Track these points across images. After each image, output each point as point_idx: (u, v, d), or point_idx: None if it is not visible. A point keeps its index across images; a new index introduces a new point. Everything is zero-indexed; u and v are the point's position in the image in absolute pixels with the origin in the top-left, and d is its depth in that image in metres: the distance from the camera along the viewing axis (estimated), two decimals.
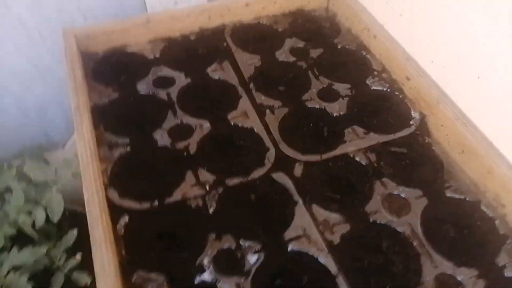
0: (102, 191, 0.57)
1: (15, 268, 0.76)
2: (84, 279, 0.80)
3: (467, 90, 0.66)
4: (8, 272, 0.75)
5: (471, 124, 0.65)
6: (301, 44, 0.86)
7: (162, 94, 0.75)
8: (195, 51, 0.83)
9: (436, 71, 0.71)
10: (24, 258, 0.74)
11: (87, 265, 0.83)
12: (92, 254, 0.49)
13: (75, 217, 0.99)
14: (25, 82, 0.96)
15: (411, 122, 0.72)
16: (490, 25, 0.60)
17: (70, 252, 0.83)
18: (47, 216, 0.80)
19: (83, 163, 0.58)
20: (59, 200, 0.75)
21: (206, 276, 0.53)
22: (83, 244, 0.80)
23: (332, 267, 0.55)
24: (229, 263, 0.55)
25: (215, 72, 0.79)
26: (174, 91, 0.75)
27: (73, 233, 0.83)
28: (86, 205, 0.54)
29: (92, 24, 0.82)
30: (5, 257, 0.76)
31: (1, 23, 0.86)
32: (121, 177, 0.62)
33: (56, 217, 0.74)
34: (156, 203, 0.59)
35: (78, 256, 0.82)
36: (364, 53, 0.84)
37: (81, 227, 0.83)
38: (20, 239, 0.81)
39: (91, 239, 0.50)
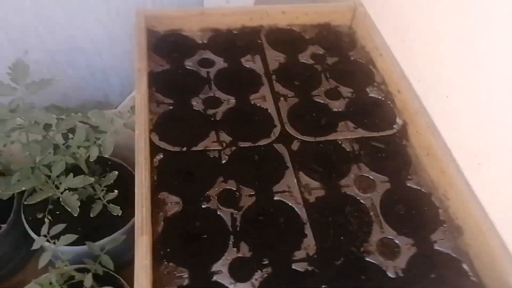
0: (147, 133, 0.79)
1: (69, 189, 0.98)
2: (117, 210, 1.02)
3: (438, 106, 0.83)
4: (64, 190, 0.98)
5: (437, 133, 0.82)
6: (321, 51, 1.04)
7: (203, 72, 0.95)
8: (235, 43, 1.03)
9: (420, 89, 0.88)
10: (77, 182, 0.96)
11: (121, 201, 1.03)
12: (135, 171, 0.71)
13: (117, 167, 1.22)
14: (98, 47, 1.19)
15: (394, 126, 0.90)
16: (462, 61, 0.77)
17: (110, 188, 1.05)
18: (98, 157, 1.02)
19: (138, 109, 0.80)
20: (111, 141, 0.97)
21: (210, 205, 0.73)
22: (119, 188, 1.03)
23: (304, 217, 0.74)
24: (229, 198, 0.74)
25: (247, 61, 0.99)
26: (213, 71, 0.96)
27: (115, 174, 1.05)
28: (136, 138, 0.75)
29: (159, 9, 1.04)
30: (63, 179, 0.99)
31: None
32: (162, 126, 0.83)
33: (107, 153, 0.95)
34: (184, 148, 0.80)
35: (116, 192, 1.04)
36: (371, 67, 1.02)
37: (120, 175, 1.05)
38: (75, 170, 1.04)
39: (136, 162, 0.71)
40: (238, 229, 0.70)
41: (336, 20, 1.12)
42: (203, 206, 0.73)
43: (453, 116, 0.80)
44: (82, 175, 1.00)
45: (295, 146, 0.84)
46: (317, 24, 1.11)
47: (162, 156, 0.79)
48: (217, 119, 0.86)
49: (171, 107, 0.87)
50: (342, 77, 0.99)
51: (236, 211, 0.73)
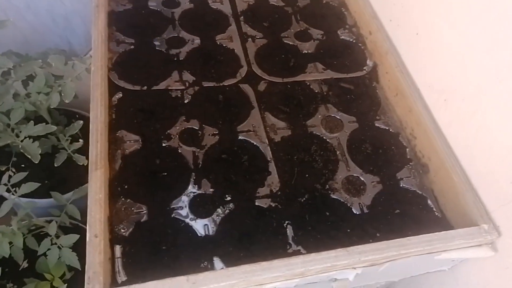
0: (105, 69, 0.75)
1: (30, 137, 0.94)
2: (83, 160, 0.98)
3: (409, 45, 0.81)
4: (24, 138, 0.94)
5: (406, 72, 0.80)
6: None
7: (167, 12, 0.91)
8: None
9: (391, 28, 0.86)
10: (38, 130, 0.92)
11: (86, 152, 1.00)
12: (90, 107, 0.67)
13: (82, 118, 1.18)
14: None
15: (364, 68, 0.88)
16: None
17: (74, 139, 1.01)
18: (64, 107, 0.98)
19: (94, 46, 0.75)
20: (72, 87, 0.92)
21: (171, 143, 0.71)
22: (85, 136, 0.99)
23: (268, 155, 0.72)
24: (191, 137, 0.72)
25: (214, 3, 0.95)
26: (177, 12, 0.91)
27: (79, 123, 1.01)
28: (91, 75, 0.71)
29: None
30: (24, 128, 0.95)
31: None
32: (122, 66, 0.79)
33: (68, 99, 0.91)
34: (145, 87, 0.77)
35: (81, 141, 1.00)
36: (343, 10, 0.98)
37: (84, 126, 1.01)
38: (38, 121, 0.99)
39: (91, 99, 0.68)
40: (199, 167, 0.68)
41: None
42: (163, 145, 0.70)
43: (422, 55, 0.78)
44: (43, 123, 0.96)
45: (261, 86, 0.81)
46: None
47: (121, 95, 0.75)
48: (181, 59, 0.83)
49: (132, 47, 0.83)
50: (313, 20, 0.96)
51: (198, 150, 0.70)
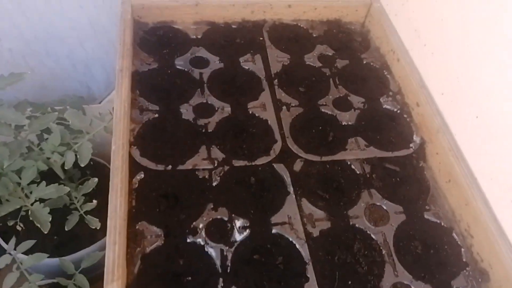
0: (126, 147, 0.67)
1: (41, 200, 0.87)
2: (96, 223, 0.91)
3: (465, 126, 0.72)
4: (34, 201, 0.87)
5: (462, 157, 0.71)
6: (330, 53, 0.92)
7: (195, 73, 0.83)
8: (233, 39, 0.91)
9: (443, 103, 0.77)
10: (50, 192, 0.85)
11: (100, 212, 0.93)
12: (109, 197, 0.59)
13: (98, 168, 1.11)
14: (80, 36, 1.06)
15: (411, 145, 0.79)
16: (496, 74, 0.65)
17: (88, 197, 0.94)
18: (76, 160, 0.91)
19: (116, 118, 0.68)
20: (88, 147, 0.85)
21: (197, 239, 0.63)
22: (101, 192, 0.92)
23: (306, 255, 0.63)
24: (219, 232, 0.64)
25: (246, 62, 0.87)
26: (206, 72, 0.84)
27: (94, 181, 0.93)
28: (111, 155, 0.64)
29: None
30: (34, 188, 0.88)
31: None
32: (145, 139, 0.71)
33: (83, 162, 0.84)
34: (169, 167, 0.69)
35: (95, 202, 0.93)
36: (386, 73, 0.90)
37: (101, 178, 0.94)
38: (49, 176, 0.92)
39: (110, 185, 0.60)
40: (228, 270, 0.60)
41: (348, 16, 0.99)
42: (188, 240, 0.62)
43: (483, 140, 0.69)
44: (56, 184, 0.89)
45: (297, 166, 0.73)
46: (326, 21, 0.99)
47: (143, 175, 0.68)
48: (209, 130, 0.75)
49: (156, 115, 0.75)
50: (353, 84, 0.87)
51: (227, 247, 0.62)
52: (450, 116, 0.75)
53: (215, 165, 0.70)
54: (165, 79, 0.81)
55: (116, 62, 0.76)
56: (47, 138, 0.91)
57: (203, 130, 0.75)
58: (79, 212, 0.94)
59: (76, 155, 0.87)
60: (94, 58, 1.12)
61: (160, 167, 0.69)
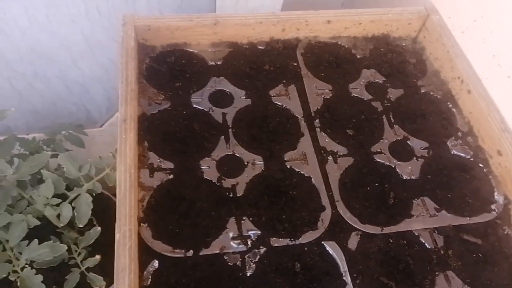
0: (135, 230, 0.51)
1: (32, 264, 0.72)
2: (99, 282, 0.76)
3: None
4: (25, 265, 0.72)
5: None
6: (379, 80, 0.75)
7: (217, 113, 0.67)
8: (261, 65, 0.74)
9: None
10: (43, 253, 0.70)
11: (104, 267, 0.79)
12: None
13: (102, 201, 0.96)
14: (73, 55, 0.89)
15: (493, 207, 0.62)
16: None
17: (91, 249, 0.79)
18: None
19: (120, 193, 0.52)
20: (88, 202, 0.70)
21: None
22: (106, 239, 0.76)
23: None
24: None
25: (279, 97, 0.70)
26: (231, 112, 0.67)
27: (96, 231, 0.78)
28: (116, 248, 0.48)
29: (156, 16, 0.73)
30: (25, 248, 0.73)
31: None
32: (158, 212, 0.55)
33: (81, 222, 0.69)
34: (191, 252, 0.53)
35: (98, 257, 0.78)
36: (450, 106, 0.73)
37: (106, 215, 0.78)
38: (43, 223, 0.77)
39: (114, 278, 0.45)
40: None
41: (397, 31, 0.81)
42: None
43: None
44: (51, 242, 0.74)
45: (353, 242, 0.57)
46: (371, 37, 0.81)
47: (157, 265, 0.52)
48: (238, 195, 0.59)
49: (171, 176, 0.59)
50: (412, 122, 0.71)
51: None
52: None
53: (249, 246, 0.54)
54: (180, 124, 0.65)
55: (119, 107, 0.59)
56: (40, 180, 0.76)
57: (231, 195, 0.58)
58: (80, 269, 0.79)
59: (73, 209, 0.72)
60: (91, 78, 0.96)
61: (179, 253, 0.53)
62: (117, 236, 0.48)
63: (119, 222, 0.49)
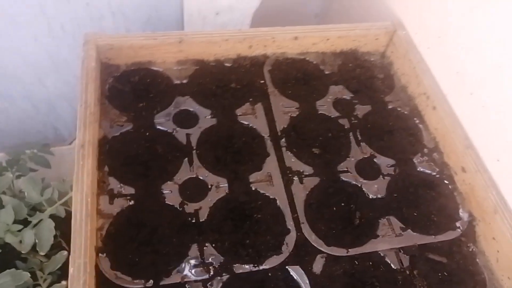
0: (91, 262, 0.50)
1: None
2: None
3: None
4: None
5: None
6: (347, 96, 0.75)
7: (181, 134, 0.65)
8: (227, 83, 0.73)
9: (500, 173, 0.61)
10: (5, 283, 0.67)
11: None
12: None
13: (67, 220, 0.93)
14: (38, 73, 0.87)
15: (458, 224, 0.62)
16: None
17: (60, 273, 0.77)
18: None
19: (75, 223, 0.50)
20: (50, 228, 0.68)
21: None
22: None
23: None
24: None
25: (245, 116, 0.69)
26: (195, 133, 0.66)
27: (63, 255, 0.76)
28: (69, 282, 0.46)
29: (119, 35, 0.72)
30: None
31: (22, 9, 0.77)
32: (117, 241, 0.54)
33: (43, 250, 0.67)
34: (150, 282, 0.51)
35: (64, 283, 0.76)
36: (417, 122, 0.73)
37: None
38: (9, 251, 0.75)
39: None
40: None
41: (366, 46, 0.81)
42: None
43: None
44: (13, 269, 0.71)
45: (318, 266, 0.56)
46: (339, 52, 0.81)
47: None
48: (201, 220, 0.57)
49: (132, 202, 0.58)
50: (379, 139, 0.70)
51: None
52: (511, 191, 0.59)
53: (211, 273, 0.53)
54: (143, 146, 0.63)
55: (77, 132, 0.57)
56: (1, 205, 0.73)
57: (193, 220, 0.57)
58: None
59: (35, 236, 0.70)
60: (57, 96, 0.93)
61: (139, 284, 0.51)
62: (70, 270, 0.47)
63: (73, 254, 0.48)
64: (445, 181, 0.67)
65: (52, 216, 0.70)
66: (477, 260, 0.60)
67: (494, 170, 0.61)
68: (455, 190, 0.66)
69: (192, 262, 0.54)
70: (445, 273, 0.59)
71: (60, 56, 0.85)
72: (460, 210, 0.64)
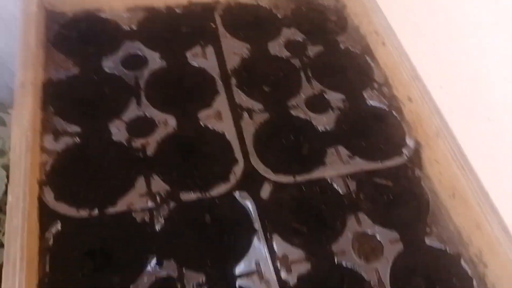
0: (32, 192, 0.50)
1: None
2: None
3: (474, 130, 0.57)
4: None
5: (469, 167, 0.57)
6: (299, 37, 0.75)
7: (129, 76, 0.65)
8: (177, 28, 0.73)
9: (443, 99, 0.62)
10: None
11: None
12: (3, 273, 0.43)
13: None
14: None
15: (404, 151, 0.64)
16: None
17: None
18: None
19: (14, 156, 0.50)
20: (1, 177, 0.68)
21: None
22: None
23: None
24: None
25: (195, 57, 0.69)
26: (144, 75, 0.66)
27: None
28: (7, 210, 0.46)
29: None
30: None
31: None
32: (61, 175, 0.54)
33: None
34: (96, 211, 0.52)
35: None
36: (368, 59, 0.74)
37: None
38: None
39: (4, 256, 0.43)
40: None
41: None
42: None
43: (497, 147, 0.55)
44: None
45: (265, 192, 0.57)
46: None
47: (59, 227, 0.51)
48: (148, 154, 0.58)
49: (77, 139, 0.58)
50: (330, 76, 0.71)
51: None
52: (452, 116, 0.60)
53: (158, 202, 0.54)
54: (90, 89, 0.63)
55: (17, 73, 0.57)
56: None
57: (141, 155, 0.58)
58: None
59: None
60: (9, 54, 0.91)
61: (83, 213, 0.52)
62: (9, 198, 0.47)
63: (12, 184, 0.48)
64: (394, 113, 0.68)
65: (4, 166, 0.70)
66: (422, 183, 0.62)
67: (438, 98, 0.63)
68: (403, 120, 0.67)
69: (139, 192, 0.54)
70: (390, 196, 0.60)
71: (8, 11, 0.83)
72: (407, 138, 0.65)
